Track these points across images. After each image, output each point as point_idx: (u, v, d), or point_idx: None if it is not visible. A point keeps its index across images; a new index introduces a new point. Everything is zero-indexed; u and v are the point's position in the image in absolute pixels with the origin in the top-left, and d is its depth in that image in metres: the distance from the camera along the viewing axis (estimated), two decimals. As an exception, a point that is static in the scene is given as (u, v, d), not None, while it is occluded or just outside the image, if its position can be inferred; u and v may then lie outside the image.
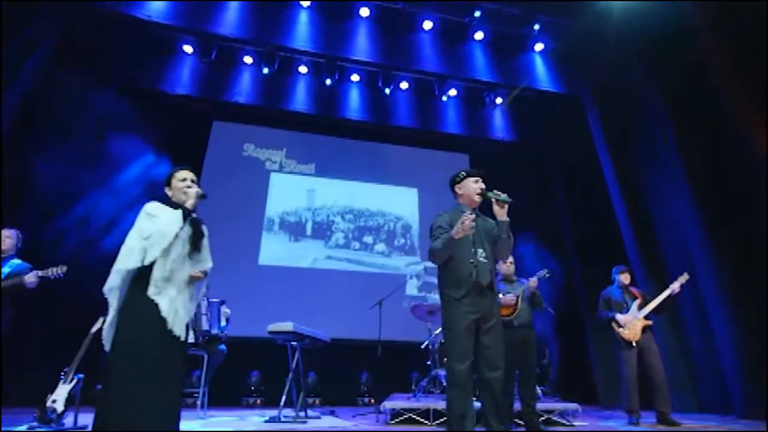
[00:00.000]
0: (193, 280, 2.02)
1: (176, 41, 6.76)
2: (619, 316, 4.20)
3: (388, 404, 3.95)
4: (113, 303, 1.91)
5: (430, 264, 6.26)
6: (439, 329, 4.84)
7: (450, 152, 8.13)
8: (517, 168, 7.76)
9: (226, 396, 5.43)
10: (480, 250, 2.33)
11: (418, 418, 3.88)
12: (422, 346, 4.85)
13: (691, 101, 5.35)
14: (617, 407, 5.37)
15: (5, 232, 3.49)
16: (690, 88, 5.34)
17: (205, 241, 2.13)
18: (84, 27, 5.72)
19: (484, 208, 2.56)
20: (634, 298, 4.29)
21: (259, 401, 5.73)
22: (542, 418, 3.80)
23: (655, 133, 5.87)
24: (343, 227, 7.29)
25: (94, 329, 3.56)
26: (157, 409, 1.72)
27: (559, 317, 5.94)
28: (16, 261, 3.45)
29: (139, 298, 1.86)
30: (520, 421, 3.58)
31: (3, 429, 3.16)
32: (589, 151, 6.89)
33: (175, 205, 2.06)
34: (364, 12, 6.67)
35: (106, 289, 1.91)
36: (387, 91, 7.22)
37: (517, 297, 3.59)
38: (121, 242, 5.58)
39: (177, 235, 1.94)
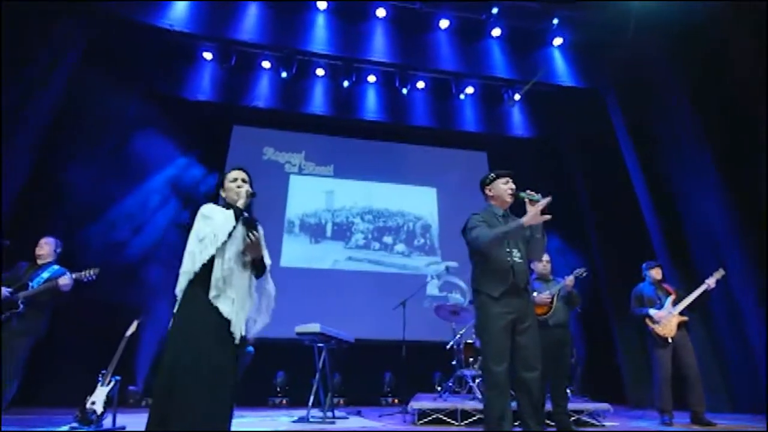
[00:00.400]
0: (251, 248, 1.99)
1: (196, 48, 6.89)
2: (653, 312, 4.11)
3: (415, 404, 3.95)
4: None
5: (451, 263, 6.26)
6: (464, 329, 4.84)
7: (468, 151, 8.08)
8: (536, 164, 7.66)
9: (253, 396, 5.52)
10: (515, 251, 2.32)
11: (445, 419, 3.88)
12: (447, 347, 4.83)
13: (715, 91, 5.20)
14: (648, 406, 5.29)
15: (44, 240, 3.63)
16: (714, 78, 5.20)
17: (261, 240, 2.12)
18: (108, 37, 5.88)
19: (514, 209, 2.54)
20: (668, 294, 4.19)
21: (284, 401, 5.80)
22: (572, 419, 3.75)
23: (679, 125, 5.73)
24: (363, 228, 7.32)
25: (129, 332, 3.66)
26: (210, 411, 1.71)
27: (584, 315, 5.86)
28: (55, 267, 3.57)
29: (197, 300, 1.87)
30: (550, 422, 3.54)
31: (45, 429, 3.28)
32: (611, 146, 6.76)
33: (229, 206, 2.08)
34: (381, 13, 6.68)
35: (177, 291, 1.94)
36: (404, 91, 7.22)
37: (553, 296, 3.54)
38: (149, 245, 5.72)
39: (230, 235, 1.95)
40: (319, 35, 6.61)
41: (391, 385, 6.20)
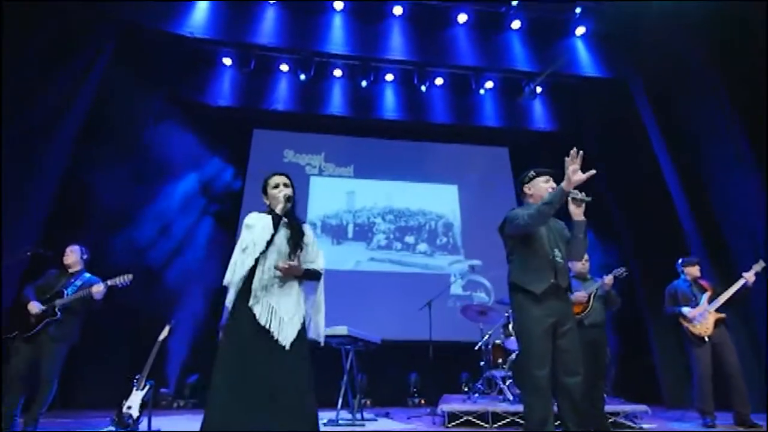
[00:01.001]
0: (285, 272, 1.93)
1: (216, 54, 6.99)
2: (686, 310, 3.96)
3: (445, 407, 3.90)
4: None
5: (475, 262, 6.17)
6: (492, 330, 4.76)
7: (489, 146, 7.95)
8: (559, 159, 7.38)
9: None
10: (556, 251, 2.24)
11: (476, 421, 3.81)
12: (476, 347, 4.75)
13: (750, 76, 4.95)
14: (686, 407, 5.09)
15: (69, 248, 3.67)
16: (749, 62, 4.95)
17: (308, 240, 2.10)
18: (132, 47, 6.00)
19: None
20: (704, 290, 4.02)
21: (311, 403, 5.81)
22: (608, 421, 3.63)
23: (713, 113, 5.49)
24: (384, 228, 7.28)
25: (161, 337, 3.72)
26: (262, 421, 1.67)
27: (616, 314, 5.67)
28: (87, 275, 3.64)
29: (241, 309, 1.87)
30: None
31: (86, 431, 3.37)
32: (638, 137, 6.53)
33: (271, 213, 2.07)
34: (398, 11, 6.63)
35: (227, 302, 1.94)
36: (423, 88, 7.16)
37: (590, 295, 3.43)
38: (176, 249, 5.81)
39: (270, 243, 1.93)
40: (336, 36, 6.60)
41: (417, 385, 6.16)
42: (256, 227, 1.98)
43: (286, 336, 1.84)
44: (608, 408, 3.78)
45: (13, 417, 3.14)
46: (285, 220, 2.06)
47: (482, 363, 4.73)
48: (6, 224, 4.24)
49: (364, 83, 7.08)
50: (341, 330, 3.74)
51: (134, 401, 3.36)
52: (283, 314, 1.87)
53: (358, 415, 4.09)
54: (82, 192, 5.15)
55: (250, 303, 1.85)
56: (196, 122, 6.78)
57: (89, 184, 5.21)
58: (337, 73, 7.22)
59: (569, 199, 2.24)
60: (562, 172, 2.42)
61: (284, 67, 7.16)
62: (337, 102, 7.29)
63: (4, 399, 3.15)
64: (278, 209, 2.03)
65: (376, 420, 4.29)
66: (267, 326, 1.83)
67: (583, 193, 2.26)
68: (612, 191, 7.00)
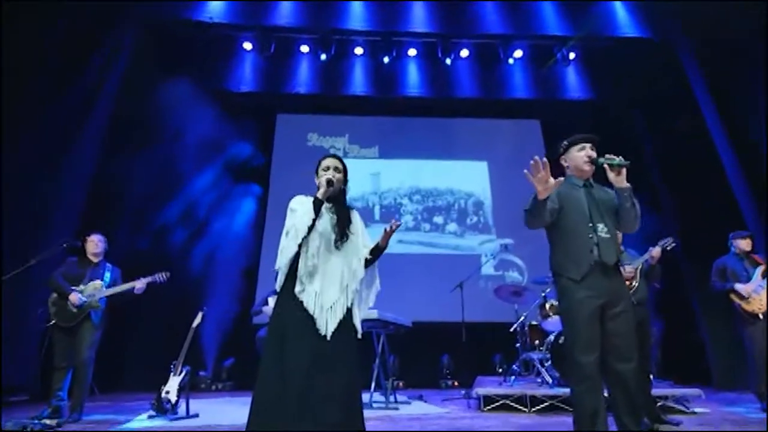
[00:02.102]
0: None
1: (236, 40, 6.91)
2: (739, 287, 3.66)
3: (480, 390, 3.79)
4: None
5: (507, 241, 5.94)
6: (527, 311, 4.58)
7: (519, 120, 7.57)
8: (595, 129, 6.95)
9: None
10: (600, 225, 2.02)
11: (514, 405, 3.69)
12: (511, 329, 4.59)
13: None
14: (738, 389, 4.79)
15: (96, 238, 3.66)
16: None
17: (356, 228, 2.03)
18: (154, 37, 6.01)
19: (602, 177, 2.21)
20: (756, 265, 3.69)
21: (344, 384, 5.86)
22: (657, 405, 3.42)
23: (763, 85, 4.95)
24: (412, 209, 7.13)
25: (195, 323, 3.77)
26: (303, 415, 1.61)
27: (660, 290, 5.35)
28: (110, 265, 3.66)
29: (287, 296, 1.83)
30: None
31: (126, 417, 3.48)
32: (684, 103, 6.03)
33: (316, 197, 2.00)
34: (418, -20, 6.32)
35: (276, 287, 1.92)
36: (447, 61, 6.84)
37: (636, 270, 3.18)
38: (204, 237, 5.87)
39: (311, 228, 1.86)
40: (356, 12, 6.38)
41: (450, 367, 6.08)
42: (298, 211, 1.90)
43: (327, 324, 1.78)
44: (656, 391, 3.56)
45: (62, 400, 3.27)
46: (329, 205, 1.97)
47: (518, 345, 4.57)
48: (44, 217, 4.38)
49: (386, 59, 6.84)
50: (372, 314, 3.67)
51: (172, 386, 3.43)
52: (325, 302, 1.80)
53: (391, 398, 4.06)
54: (113, 183, 5.25)
55: (296, 290, 1.80)
56: (220, 109, 6.76)
57: (119, 175, 5.31)
58: (358, 50, 7.01)
59: (606, 166, 2.03)
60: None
61: (304, 48, 7.01)
62: (359, 81, 7.11)
63: (55, 385, 3.28)
64: (318, 194, 1.94)
65: (409, 403, 4.24)
66: (312, 314, 1.77)
67: (620, 158, 2.03)
68: (656, 161, 6.55)
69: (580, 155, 2.17)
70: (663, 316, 5.81)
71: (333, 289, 1.84)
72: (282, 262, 1.85)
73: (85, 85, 4.92)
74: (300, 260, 1.84)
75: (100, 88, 5.11)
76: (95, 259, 3.61)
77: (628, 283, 3.13)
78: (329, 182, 1.95)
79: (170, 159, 6.26)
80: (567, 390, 3.55)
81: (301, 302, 1.79)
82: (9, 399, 4.07)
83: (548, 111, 7.48)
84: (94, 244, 3.62)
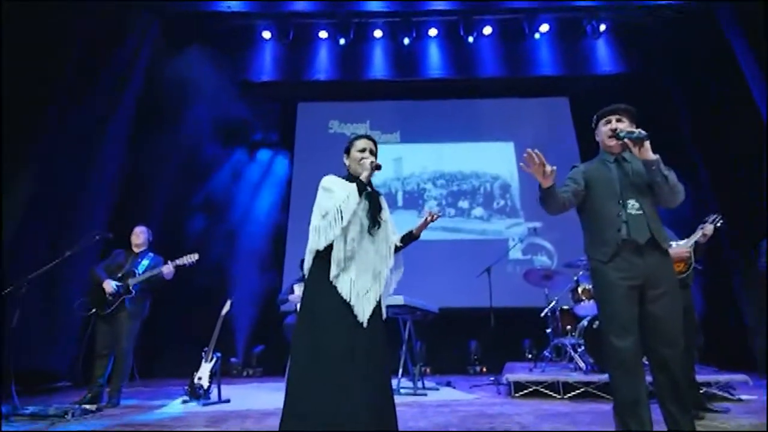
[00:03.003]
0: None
1: (255, 29, 6.88)
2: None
3: (511, 377, 3.71)
4: None
5: (536, 224, 5.75)
6: (559, 295, 4.44)
7: (547, 98, 7.26)
8: (628, 104, 6.63)
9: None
10: (631, 201, 1.89)
11: (545, 391, 3.59)
12: (542, 314, 4.46)
13: None
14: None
15: (138, 229, 3.85)
16: None
17: (386, 216, 1.99)
18: (175, 30, 6.04)
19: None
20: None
21: (372, 370, 5.89)
22: (701, 392, 3.25)
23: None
24: (436, 194, 7.00)
25: (224, 311, 3.83)
26: (340, 399, 1.58)
27: (702, 272, 5.07)
28: (151, 254, 3.81)
29: (321, 281, 1.77)
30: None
31: (162, 402, 3.59)
32: (728, 73, 5.60)
33: (351, 177, 1.94)
34: (437, -45, 6.08)
35: (305, 270, 1.88)
36: (470, 39, 6.61)
37: (691, 249, 2.98)
38: (235, 227, 5.96)
39: (355, 212, 1.81)
40: (374, -7, 6.22)
41: (478, 353, 6.01)
42: (337, 192, 1.84)
43: (364, 312, 1.74)
44: (700, 378, 3.38)
45: (101, 386, 3.40)
46: (368, 189, 1.92)
47: (549, 330, 4.44)
48: (77, 211, 4.52)
49: (406, 41, 6.68)
50: (397, 300, 3.63)
51: (204, 372, 3.51)
52: (360, 289, 1.76)
53: (419, 384, 4.03)
54: (141, 176, 5.37)
55: (332, 276, 1.75)
56: (242, 100, 6.79)
57: (147, 168, 5.42)
58: (378, 33, 6.86)
59: (628, 141, 1.90)
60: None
61: (323, 34, 6.92)
62: (379, 65, 6.97)
63: (95, 372, 3.41)
64: (363, 177, 1.88)
65: (437, 389, 4.20)
66: (348, 301, 1.73)
67: (639, 130, 1.89)
68: (694, 135, 6.16)
69: (605, 129, 2.06)
70: (704, 297, 5.53)
71: (367, 276, 1.80)
72: (321, 243, 1.77)
73: (110, 79, 5.00)
74: (336, 245, 1.77)
75: (126, 81, 5.19)
76: (137, 250, 3.77)
77: (683, 264, 2.93)
78: (378, 166, 1.89)
79: (195, 151, 6.36)
80: (602, 376, 3.43)
81: (335, 288, 1.74)
82: (52, 385, 4.28)
83: (577, 87, 7.14)
84: (136, 235, 3.79)
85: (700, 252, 3.10)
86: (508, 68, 6.88)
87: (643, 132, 1.87)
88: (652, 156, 1.86)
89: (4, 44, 3.69)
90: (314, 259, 1.83)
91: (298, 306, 1.84)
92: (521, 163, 1.86)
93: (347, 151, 2.02)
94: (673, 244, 2.90)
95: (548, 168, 1.81)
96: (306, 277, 1.86)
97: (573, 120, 7.05)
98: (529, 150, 1.80)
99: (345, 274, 1.76)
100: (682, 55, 6.33)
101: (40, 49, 3.95)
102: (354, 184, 1.84)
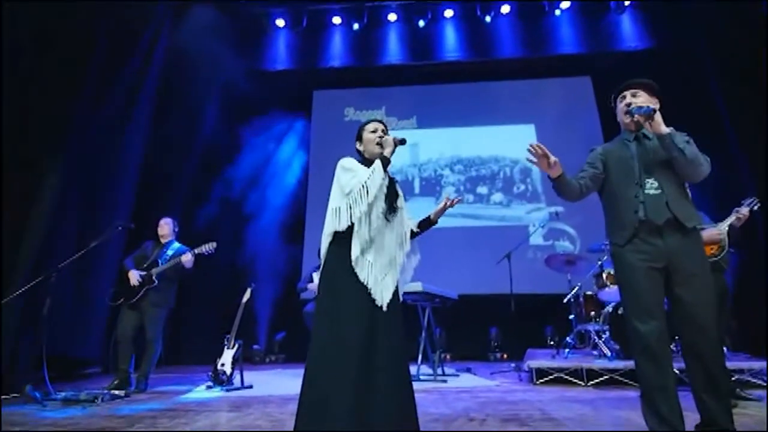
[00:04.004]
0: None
1: (269, 18, 6.84)
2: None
3: (533, 363, 3.65)
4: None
5: (558, 208, 5.59)
6: (582, 281, 4.33)
7: (568, 77, 7.01)
8: (656, 81, 6.32)
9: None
10: (650, 181, 1.80)
11: (569, 378, 3.52)
12: (564, 300, 4.37)
13: None
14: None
15: (163, 221, 3.93)
16: None
17: (401, 202, 1.96)
18: (187, 25, 6.03)
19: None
20: None
21: (391, 357, 5.92)
22: (732, 379, 3.14)
23: None
24: (453, 180, 6.90)
25: (244, 299, 3.89)
26: (360, 382, 1.57)
27: (735, 256, 4.86)
28: (176, 244, 3.89)
29: (340, 264, 1.74)
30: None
31: (187, 387, 3.68)
32: (761, 41, 5.26)
33: (367, 162, 1.90)
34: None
35: (322, 253, 1.85)
36: (487, 19, 6.40)
37: (724, 231, 2.86)
38: (255, 216, 6.01)
39: (381, 187, 1.77)
40: (387, -25, 6.08)
41: (498, 340, 5.95)
42: (359, 171, 1.81)
43: (383, 295, 1.72)
44: (732, 365, 3.26)
45: (128, 373, 3.51)
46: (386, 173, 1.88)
47: (572, 316, 4.35)
48: (104, 202, 4.64)
49: (421, 23, 6.53)
50: (416, 286, 3.60)
51: (227, 359, 3.58)
52: (378, 273, 1.74)
53: (439, 370, 4.01)
54: (161, 165, 5.45)
55: (353, 257, 1.71)
56: (260, 90, 6.79)
57: (167, 158, 5.50)
58: (392, 17, 6.73)
59: (640, 118, 1.81)
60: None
61: (337, 20, 6.84)
62: (394, 49, 6.85)
63: (119, 358, 3.53)
64: (387, 152, 1.83)
65: (458, 376, 4.18)
66: (369, 285, 1.71)
67: (647, 106, 1.79)
68: (728, 113, 5.84)
69: (621, 106, 1.96)
70: (735, 281, 5.31)
71: (383, 261, 1.77)
72: (343, 223, 1.73)
73: (130, 71, 5.06)
74: (358, 225, 1.73)
75: (142, 83, 5.24)
76: (163, 240, 3.88)
77: (716, 247, 2.81)
78: (402, 141, 1.86)
79: (213, 142, 6.42)
80: (628, 363, 3.34)
81: (354, 271, 1.71)
82: (83, 371, 4.45)
83: (600, 66, 6.86)
84: (161, 226, 3.91)
85: (735, 236, 2.96)
86: (527, 48, 6.65)
87: (651, 107, 1.79)
88: (664, 130, 1.77)
89: (36, 44, 3.78)
90: (331, 242, 1.79)
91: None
92: (526, 158, 1.86)
93: (359, 137, 1.99)
94: (707, 227, 2.78)
95: (551, 159, 1.81)
96: (323, 260, 1.82)
97: (596, 99, 6.80)
98: (530, 144, 1.81)
99: (363, 259, 1.73)
100: (716, 28, 5.97)
101: (67, 46, 4.03)
102: (378, 161, 1.80)
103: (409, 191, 6.85)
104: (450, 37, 6.79)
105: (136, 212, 4.89)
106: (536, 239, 6.25)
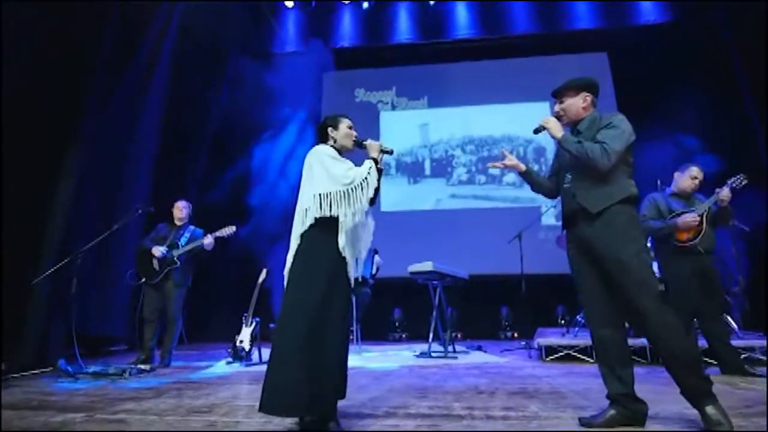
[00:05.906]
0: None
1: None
2: None
3: (542, 341, 3.72)
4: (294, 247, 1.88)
5: (570, 188, 5.55)
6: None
7: (583, 54, 6.82)
8: (676, 56, 6.14)
9: (373, 332, 5.86)
10: (567, 176, 1.96)
11: (577, 355, 3.59)
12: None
13: None
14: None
15: (180, 203, 4.03)
16: None
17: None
18: (196, 13, 5.99)
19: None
20: None
21: (404, 336, 6.06)
22: (742, 357, 3.16)
23: None
24: (465, 161, 6.86)
25: (260, 279, 4.02)
26: (333, 348, 1.73)
27: (744, 232, 4.79)
28: (192, 227, 4.00)
29: (318, 247, 1.81)
30: (712, 360, 3.03)
31: (208, 363, 3.85)
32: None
33: (338, 152, 1.97)
34: None
35: (300, 233, 1.85)
36: (500, -5, 6.25)
37: (701, 215, 2.92)
38: (264, 199, 6.11)
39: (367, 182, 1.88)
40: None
41: (509, 319, 6.02)
42: (350, 164, 1.91)
43: (353, 270, 1.90)
44: (742, 343, 3.29)
45: (152, 349, 3.69)
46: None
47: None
48: (123, 184, 4.78)
49: (432, 1, 6.38)
50: (427, 266, 3.67)
51: (245, 336, 3.73)
52: (358, 255, 1.92)
53: (450, 348, 4.11)
54: (177, 149, 5.55)
55: (340, 243, 1.81)
56: (271, 73, 6.78)
57: (182, 141, 5.59)
58: (402, -6, 6.61)
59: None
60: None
61: (346, -1, 6.74)
62: (404, 28, 6.75)
63: (144, 336, 3.71)
64: (375, 156, 1.95)
65: (468, 353, 4.28)
66: (347, 263, 1.85)
67: (538, 125, 2.04)
68: (751, 89, 5.65)
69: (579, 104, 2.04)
70: (748, 261, 5.25)
71: (359, 245, 1.95)
72: (336, 212, 1.80)
73: (144, 53, 5.10)
74: (345, 218, 1.82)
75: (152, 73, 5.28)
76: (179, 223, 3.99)
77: (691, 231, 2.92)
78: (390, 152, 2.01)
79: (227, 127, 6.49)
80: (638, 341, 3.38)
81: (339, 252, 1.81)
82: (109, 348, 4.68)
83: (617, 41, 6.65)
84: (178, 209, 4.00)
85: (727, 215, 2.97)
86: (541, 24, 6.49)
87: (539, 124, 2.01)
88: (557, 136, 1.94)
89: (48, 31, 3.83)
90: (312, 225, 1.82)
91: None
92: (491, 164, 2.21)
93: (334, 126, 2.02)
94: (686, 212, 2.95)
95: (508, 161, 2.15)
96: (301, 241, 1.84)
97: (612, 76, 6.63)
98: (501, 150, 2.17)
99: (343, 238, 1.83)
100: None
101: (79, 33, 4.07)
102: (371, 162, 1.90)
103: (419, 173, 6.85)
104: (461, 13, 6.66)
105: (155, 194, 5.01)
106: (548, 219, 6.23)
